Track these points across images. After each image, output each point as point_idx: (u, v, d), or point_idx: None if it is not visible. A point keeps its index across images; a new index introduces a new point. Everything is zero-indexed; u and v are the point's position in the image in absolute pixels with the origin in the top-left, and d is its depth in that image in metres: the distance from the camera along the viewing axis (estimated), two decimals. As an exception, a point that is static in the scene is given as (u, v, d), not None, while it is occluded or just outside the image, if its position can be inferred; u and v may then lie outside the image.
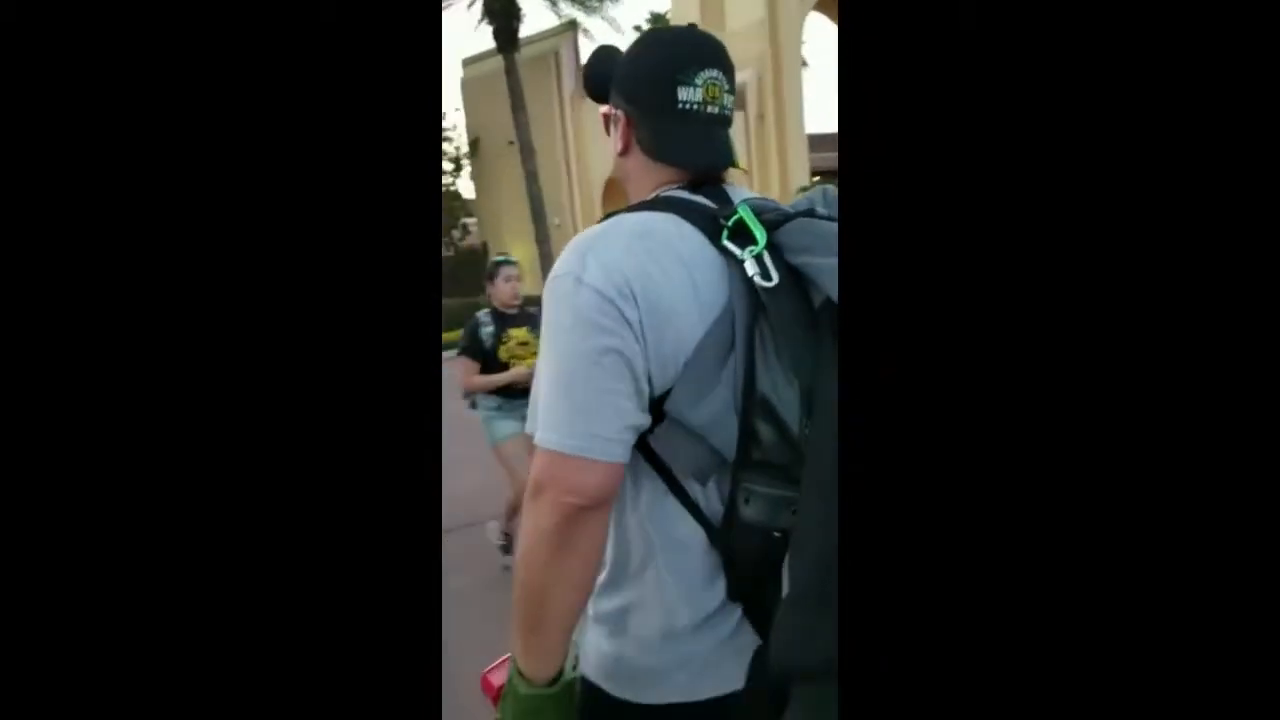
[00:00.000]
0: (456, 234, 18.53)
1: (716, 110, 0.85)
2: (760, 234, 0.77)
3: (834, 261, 0.72)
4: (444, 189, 18.66)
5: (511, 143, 14.28)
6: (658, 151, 0.87)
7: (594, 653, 0.86)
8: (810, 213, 0.80)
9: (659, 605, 0.81)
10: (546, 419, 0.75)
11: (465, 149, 17.93)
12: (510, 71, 12.78)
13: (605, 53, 0.93)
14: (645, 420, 0.76)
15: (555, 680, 0.81)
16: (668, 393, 0.76)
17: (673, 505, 0.80)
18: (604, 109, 0.92)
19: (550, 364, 0.77)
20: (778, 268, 0.76)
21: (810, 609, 0.69)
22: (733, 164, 0.88)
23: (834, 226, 0.77)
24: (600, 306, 0.74)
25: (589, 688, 0.86)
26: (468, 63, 17.22)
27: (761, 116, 16.47)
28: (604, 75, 0.91)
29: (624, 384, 0.74)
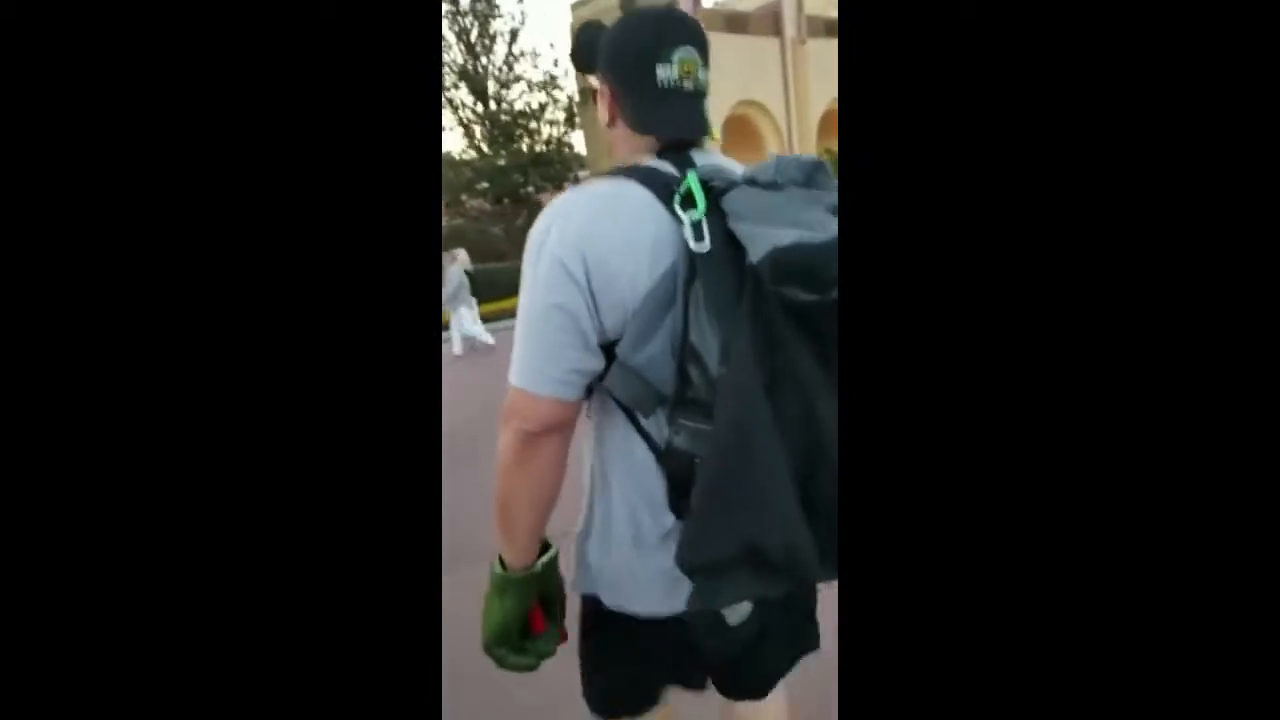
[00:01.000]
0: (568, 187, 18.09)
1: (691, 86, 0.93)
2: (700, 201, 0.85)
3: (764, 229, 0.79)
4: (557, 140, 18.18)
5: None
6: (640, 125, 0.96)
7: (589, 566, 1.01)
8: (752, 181, 0.87)
9: (628, 518, 0.96)
10: (514, 359, 0.91)
11: (576, 98, 17.33)
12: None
13: (592, 29, 1.00)
14: (592, 363, 0.90)
15: (523, 570, 1.00)
16: (621, 338, 0.88)
17: (632, 433, 0.94)
18: (592, 80, 1.01)
19: (520, 313, 0.91)
20: (715, 232, 0.83)
21: (697, 521, 0.83)
22: (707, 134, 0.97)
23: (772, 195, 0.85)
24: (555, 270, 0.86)
25: (589, 599, 1.04)
26: (576, 6, 16.50)
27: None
28: (590, 50, 0.99)
29: (569, 335, 0.87)
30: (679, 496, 0.89)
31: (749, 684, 1.12)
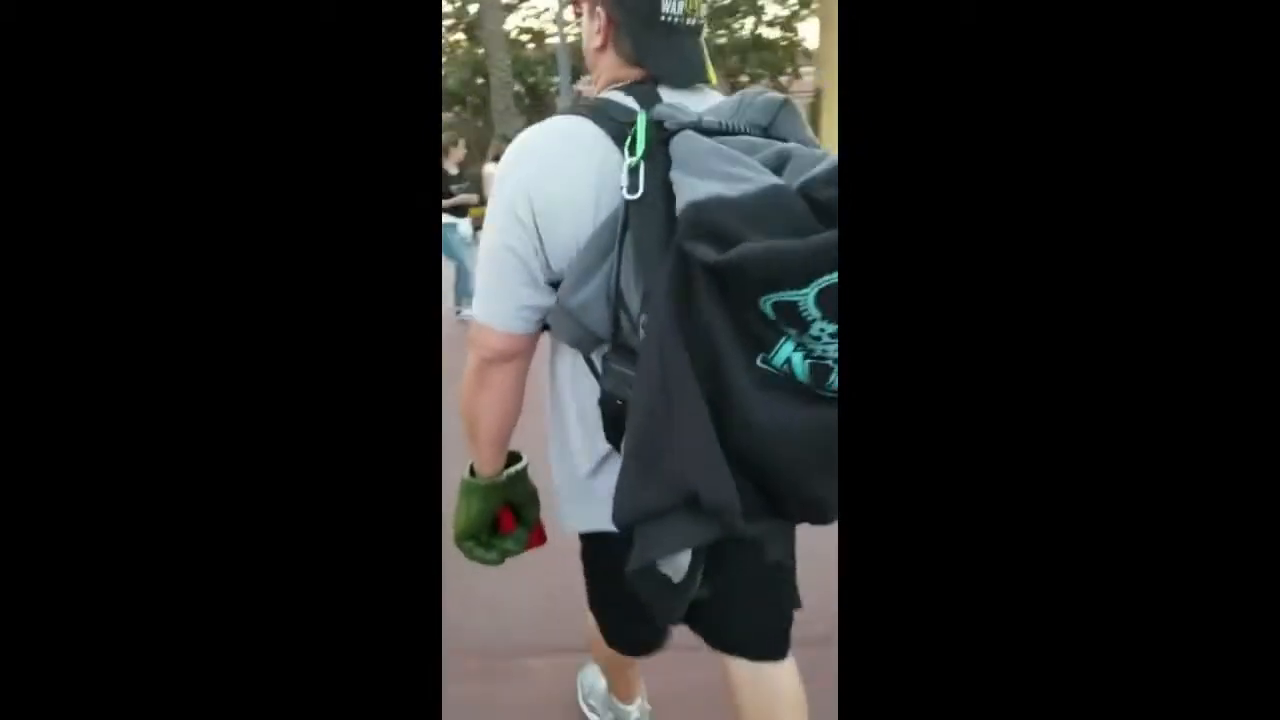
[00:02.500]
0: (784, 80, 16.83)
1: (694, 22, 0.92)
2: (641, 147, 0.83)
3: (692, 179, 0.78)
4: (785, 39, 16.81)
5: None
6: (635, 60, 0.92)
7: (557, 489, 1.08)
8: (700, 124, 0.83)
9: (569, 446, 1.03)
10: (476, 291, 0.97)
11: (816, -21, 15.77)
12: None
13: None
14: (543, 300, 0.92)
15: (488, 479, 1.09)
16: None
17: (581, 368, 0.97)
18: None
19: (481, 246, 0.96)
20: (654, 179, 0.82)
21: (627, 472, 0.84)
22: (705, 80, 0.95)
23: (713, 143, 0.80)
24: (507, 212, 0.89)
25: (582, 541, 1.13)
26: None
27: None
28: None
29: (519, 274, 0.91)
30: (612, 429, 0.93)
31: (726, 636, 1.15)
